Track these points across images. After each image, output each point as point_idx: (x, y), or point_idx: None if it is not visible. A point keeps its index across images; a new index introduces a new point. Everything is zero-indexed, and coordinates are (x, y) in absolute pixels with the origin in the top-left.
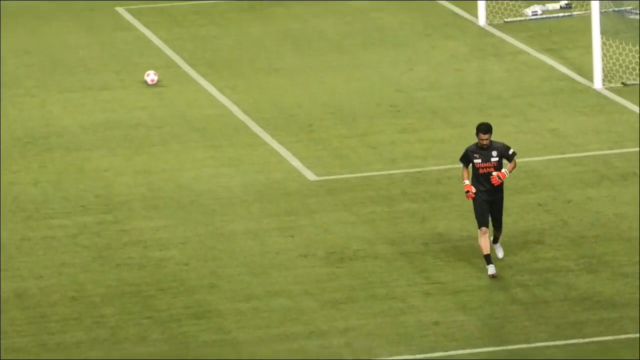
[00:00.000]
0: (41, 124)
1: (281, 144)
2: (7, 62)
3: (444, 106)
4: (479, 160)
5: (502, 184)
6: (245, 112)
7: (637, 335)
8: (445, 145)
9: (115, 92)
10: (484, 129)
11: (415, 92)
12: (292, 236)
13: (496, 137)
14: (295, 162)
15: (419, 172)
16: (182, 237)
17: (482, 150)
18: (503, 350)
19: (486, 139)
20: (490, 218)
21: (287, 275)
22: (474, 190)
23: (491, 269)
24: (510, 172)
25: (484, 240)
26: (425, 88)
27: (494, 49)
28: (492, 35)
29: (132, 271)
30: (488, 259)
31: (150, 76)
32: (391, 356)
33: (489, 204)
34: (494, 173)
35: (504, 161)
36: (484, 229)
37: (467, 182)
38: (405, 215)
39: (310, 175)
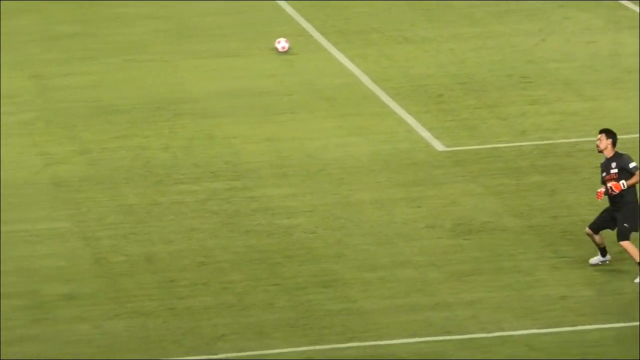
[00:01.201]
0: (172, 89)
1: (410, 113)
2: (139, 27)
3: (576, 78)
4: (601, 170)
5: (620, 196)
6: (374, 81)
7: None
8: (576, 118)
9: (246, 60)
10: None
11: (547, 63)
12: (419, 207)
13: (629, 110)
14: (424, 133)
15: (549, 144)
16: (309, 206)
17: (605, 160)
18: (632, 326)
19: (597, 140)
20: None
21: (413, 246)
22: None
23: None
24: (629, 185)
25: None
26: (558, 60)
27: (628, 22)
28: (627, 8)
29: (260, 238)
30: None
31: (281, 44)
32: (517, 330)
33: (609, 214)
34: (609, 184)
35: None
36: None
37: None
38: (533, 187)
39: (439, 146)
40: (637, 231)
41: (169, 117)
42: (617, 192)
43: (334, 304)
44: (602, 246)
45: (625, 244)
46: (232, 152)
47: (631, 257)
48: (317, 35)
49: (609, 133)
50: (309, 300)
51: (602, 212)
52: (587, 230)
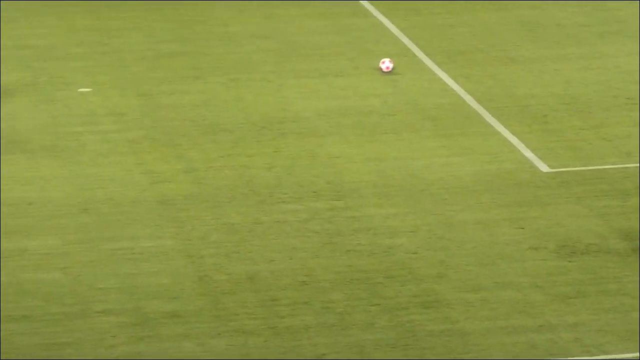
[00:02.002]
0: (276, 109)
1: (514, 134)
2: (244, 46)
3: None
4: None
5: None
6: (478, 101)
7: None
8: None
9: (350, 79)
10: None
11: None
12: (523, 228)
13: None
14: (528, 153)
15: (624, 167)
16: (411, 226)
17: None
18: None
19: None
20: None
21: (516, 267)
22: None
23: None
24: None
25: None
26: None
27: None
28: None
29: (361, 258)
30: None
31: (386, 64)
32: (622, 353)
33: None
34: None
35: None
36: None
37: None
38: (636, 210)
39: (543, 167)
40: None
41: (273, 136)
42: None
43: (435, 324)
44: None
45: None
46: (334, 171)
47: None
48: (421, 55)
49: None
50: (410, 320)
51: None
52: None
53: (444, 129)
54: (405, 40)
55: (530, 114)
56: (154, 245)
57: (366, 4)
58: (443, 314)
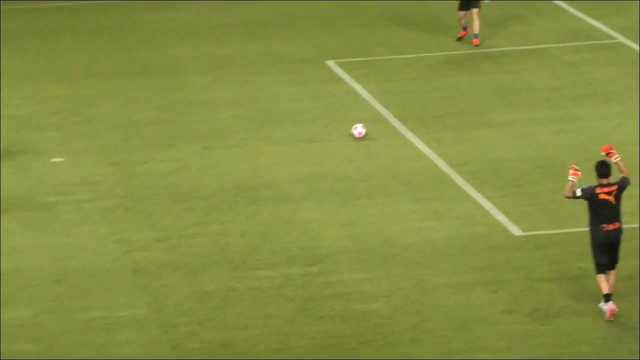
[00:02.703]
0: (250, 175)
1: (487, 198)
2: (219, 114)
3: None
4: None
5: None
6: (451, 165)
7: None
8: None
9: (323, 145)
10: None
11: (625, 147)
12: (496, 291)
13: None
14: (501, 217)
15: (629, 228)
16: (385, 290)
17: None
18: None
19: None
20: None
21: (490, 330)
22: None
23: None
24: None
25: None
26: (636, 143)
27: None
28: None
29: (336, 323)
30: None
31: (358, 129)
32: None
33: None
34: None
35: None
36: None
37: None
38: (624, 269)
39: (516, 230)
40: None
41: (247, 202)
42: None
43: None
44: None
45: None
46: (308, 237)
47: None
48: (394, 121)
49: None
50: None
51: None
52: None
53: (417, 194)
54: (378, 106)
55: (503, 177)
56: (127, 314)
57: (339, 71)
58: None
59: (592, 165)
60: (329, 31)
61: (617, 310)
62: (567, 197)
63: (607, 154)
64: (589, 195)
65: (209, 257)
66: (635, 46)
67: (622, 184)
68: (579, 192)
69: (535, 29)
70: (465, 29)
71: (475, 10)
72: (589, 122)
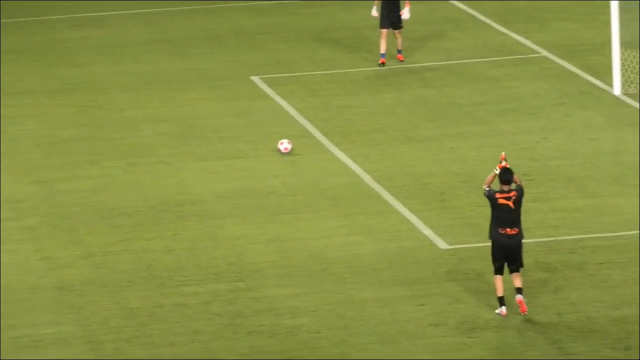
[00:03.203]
0: (175, 191)
1: (413, 212)
2: (142, 130)
3: (579, 175)
4: None
5: None
6: (377, 180)
7: None
8: (579, 215)
9: (249, 161)
10: None
11: (549, 160)
12: (423, 305)
13: (630, 206)
14: (427, 231)
15: (552, 241)
16: (313, 305)
17: None
18: None
19: None
20: None
21: (417, 344)
22: None
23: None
24: None
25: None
26: (560, 157)
27: (630, 119)
28: (628, 105)
29: (264, 339)
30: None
31: (284, 145)
32: None
33: None
34: None
35: None
36: None
37: None
38: (537, 285)
39: (442, 244)
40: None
41: (172, 219)
42: None
43: None
44: None
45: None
46: (235, 253)
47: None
48: (319, 136)
49: None
50: None
51: None
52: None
53: (343, 209)
54: (304, 121)
55: (428, 192)
56: (53, 332)
57: (264, 87)
58: None
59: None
60: (253, 48)
61: (524, 303)
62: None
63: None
64: (490, 197)
65: (135, 273)
66: (559, 60)
67: (521, 194)
68: (486, 189)
69: (459, 44)
70: (383, 55)
71: (397, 31)
72: (513, 137)
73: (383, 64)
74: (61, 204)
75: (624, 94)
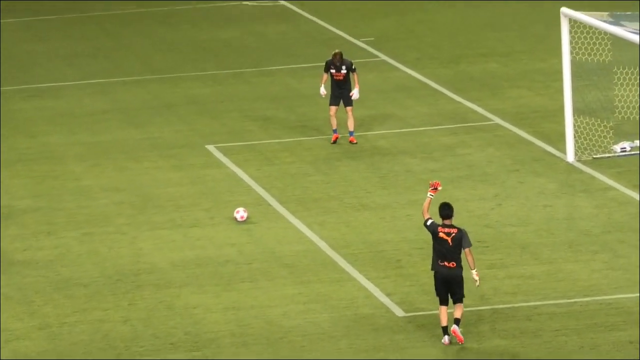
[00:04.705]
0: (131, 261)
1: (369, 279)
2: (98, 200)
3: (533, 242)
4: None
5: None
6: (333, 247)
7: None
8: (534, 282)
9: (205, 229)
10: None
11: (503, 227)
12: None
13: (585, 272)
14: (384, 298)
15: (509, 308)
16: None
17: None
18: None
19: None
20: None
21: None
22: None
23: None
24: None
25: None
26: (514, 224)
27: (583, 185)
28: (581, 172)
29: None
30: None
31: (240, 213)
32: None
33: None
34: None
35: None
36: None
37: None
38: (495, 352)
39: (399, 311)
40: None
41: (128, 289)
42: None
43: None
44: None
45: None
46: (192, 322)
47: None
48: (275, 204)
49: None
50: None
51: None
52: None
53: (300, 276)
54: (259, 189)
55: (384, 259)
56: None
57: (219, 155)
58: None
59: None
60: (208, 116)
61: (460, 333)
62: (423, 218)
63: (434, 189)
64: (432, 230)
65: (91, 344)
66: (512, 127)
67: (463, 238)
68: (429, 222)
69: (412, 112)
70: (335, 131)
71: (349, 108)
72: (466, 204)
73: (336, 140)
74: (17, 275)
75: (577, 161)
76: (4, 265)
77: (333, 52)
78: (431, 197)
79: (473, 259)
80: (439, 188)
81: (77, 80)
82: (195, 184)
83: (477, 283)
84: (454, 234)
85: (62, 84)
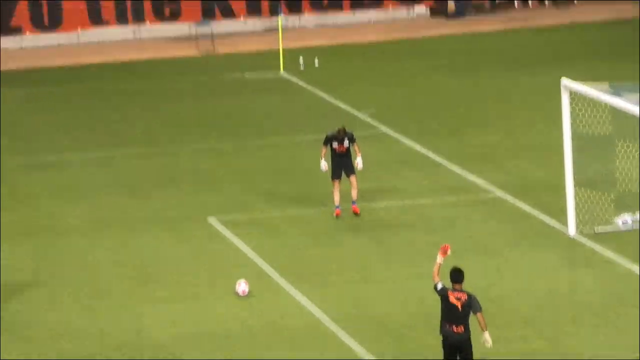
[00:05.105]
0: (134, 335)
1: (372, 353)
2: (100, 273)
3: (536, 316)
4: None
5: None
6: (335, 321)
7: None
8: (536, 355)
9: (207, 303)
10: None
11: (505, 301)
12: None
13: (588, 347)
14: None
15: None
16: None
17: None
18: None
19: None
20: None
21: None
22: None
23: None
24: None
25: None
26: (516, 297)
27: (585, 259)
28: (583, 245)
29: None
30: None
31: (242, 287)
32: None
33: None
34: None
35: None
36: None
37: None
38: None
39: None
40: None
41: None
42: None
43: None
44: None
45: None
46: None
47: None
48: (276, 277)
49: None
50: None
51: None
52: None
53: (301, 351)
54: (261, 262)
55: (387, 333)
56: None
57: (221, 228)
58: None
59: (472, 319)
60: (210, 189)
61: None
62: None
63: (443, 252)
64: (442, 295)
65: None
66: (513, 200)
67: (473, 303)
68: (439, 286)
69: (413, 184)
70: (338, 207)
71: (352, 177)
72: (469, 277)
73: (338, 215)
74: (19, 350)
75: (579, 234)
76: (4, 341)
77: (337, 128)
78: (441, 260)
79: (484, 322)
80: (449, 252)
81: (79, 152)
82: (196, 257)
83: (489, 344)
84: (464, 300)
85: (65, 156)
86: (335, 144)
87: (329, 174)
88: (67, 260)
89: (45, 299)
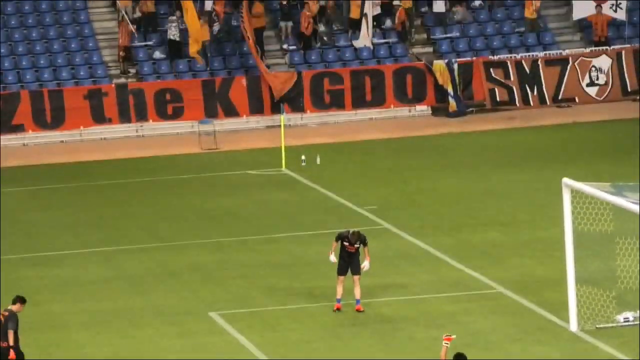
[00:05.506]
0: None
1: None
2: None
3: None
4: None
5: None
6: None
7: None
8: None
9: None
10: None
11: None
12: None
13: None
14: None
15: None
16: None
17: None
18: None
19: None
20: None
21: None
22: None
23: None
24: None
25: None
26: None
27: (587, 355)
28: (585, 342)
29: None
30: None
31: None
32: None
33: None
34: None
35: None
36: None
37: None
38: None
39: None
40: None
41: None
42: None
43: None
44: None
45: None
46: None
47: None
48: None
49: None
50: None
51: None
52: None
53: None
54: (262, 356)
55: None
56: None
57: (222, 323)
58: None
59: None
60: (211, 283)
61: None
62: None
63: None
64: None
65: None
66: (514, 296)
67: None
68: None
69: (415, 279)
70: (339, 300)
71: (356, 277)
72: None
73: (339, 309)
74: None
75: (581, 330)
76: None
77: (352, 231)
78: (447, 345)
79: None
80: (453, 337)
81: (80, 248)
82: (197, 352)
83: None
84: None
85: (66, 252)
86: (346, 243)
87: (335, 268)
88: (68, 356)
89: None
